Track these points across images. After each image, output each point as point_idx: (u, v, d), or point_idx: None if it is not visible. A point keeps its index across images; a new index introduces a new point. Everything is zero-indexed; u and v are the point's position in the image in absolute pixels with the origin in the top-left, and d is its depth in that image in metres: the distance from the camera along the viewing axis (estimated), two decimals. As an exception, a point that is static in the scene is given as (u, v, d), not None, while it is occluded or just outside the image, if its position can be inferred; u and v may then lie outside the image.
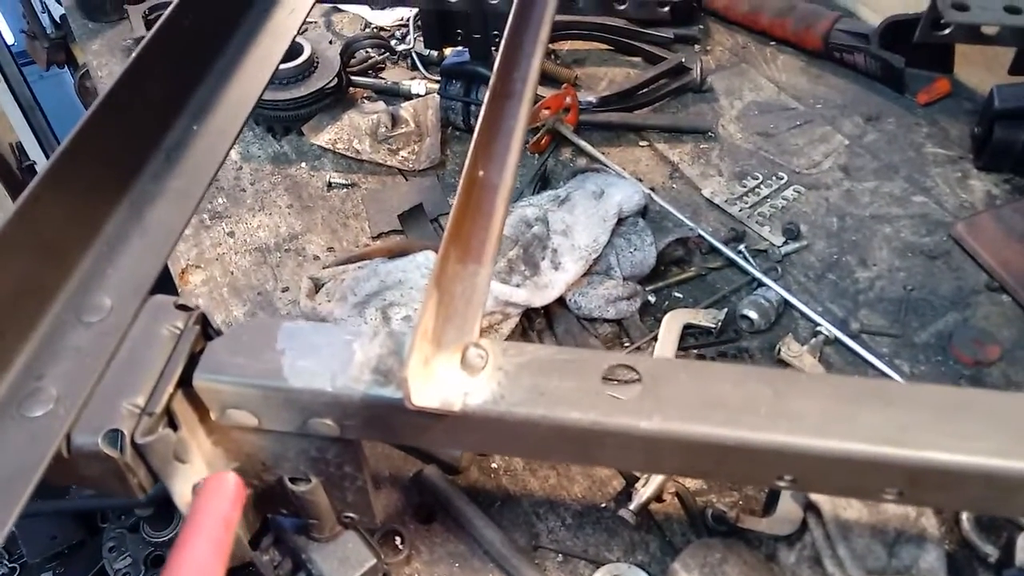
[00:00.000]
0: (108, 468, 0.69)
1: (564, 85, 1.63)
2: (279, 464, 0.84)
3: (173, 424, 0.73)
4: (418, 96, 1.74)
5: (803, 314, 1.34)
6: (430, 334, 0.70)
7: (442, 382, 0.69)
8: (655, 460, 0.70)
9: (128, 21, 1.92)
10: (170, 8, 0.93)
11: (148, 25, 1.88)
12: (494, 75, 0.95)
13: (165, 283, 1.01)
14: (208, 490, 0.75)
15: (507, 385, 0.69)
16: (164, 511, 1.06)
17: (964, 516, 1.08)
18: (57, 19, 2.76)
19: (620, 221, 1.34)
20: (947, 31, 1.14)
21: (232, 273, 1.47)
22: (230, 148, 0.94)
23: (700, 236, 1.43)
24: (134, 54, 0.87)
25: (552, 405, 0.67)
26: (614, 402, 0.67)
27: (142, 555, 1.06)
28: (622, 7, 1.26)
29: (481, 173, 0.86)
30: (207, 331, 0.78)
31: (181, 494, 0.76)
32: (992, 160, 1.52)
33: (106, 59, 1.94)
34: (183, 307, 0.79)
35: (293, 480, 0.85)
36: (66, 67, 2.91)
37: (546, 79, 1.73)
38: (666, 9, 1.24)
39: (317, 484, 0.85)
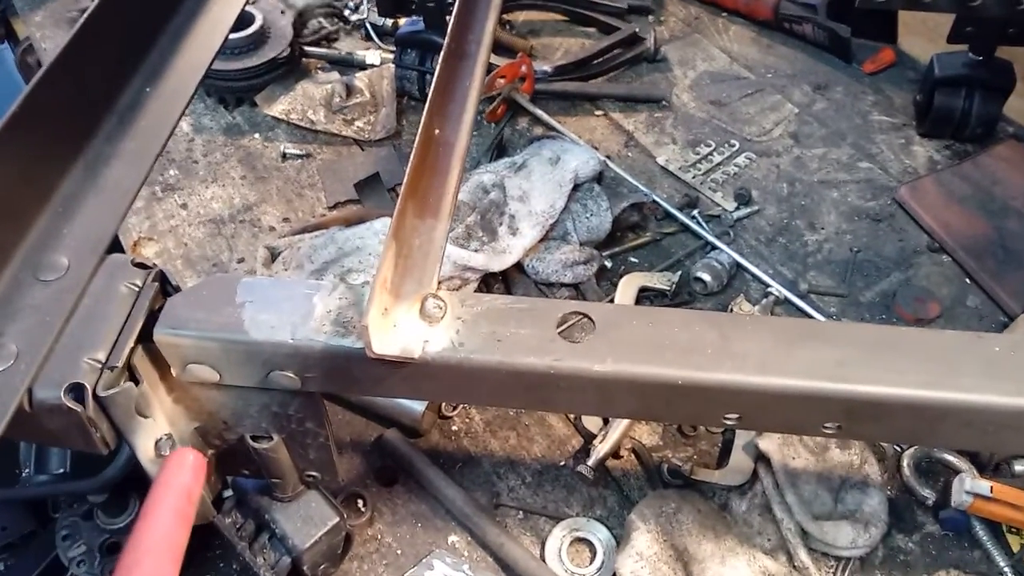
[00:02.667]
0: (71, 422, 0.69)
1: (519, 54, 1.64)
2: (240, 422, 0.84)
3: (135, 379, 0.73)
4: (372, 66, 1.74)
5: (754, 276, 1.38)
6: (389, 285, 0.72)
7: (401, 331, 0.71)
8: (608, 403, 0.73)
9: (74, -10, 1.87)
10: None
11: (94, -6, 1.83)
12: (448, 36, 0.96)
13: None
14: (171, 462, 0.76)
15: (465, 333, 0.71)
16: (118, 497, 1.03)
17: (905, 462, 1.13)
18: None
19: (576, 187, 1.36)
20: (888, -5, 1.17)
21: (186, 245, 1.46)
22: (183, 111, 0.93)
23: (655, 202, 1.46)
24: (85, 14, 0.86)
25: (509, 351, 0.69)
26: (568, 346, 0.69)
27: (97, 542, 1.03)
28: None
29: (437, 131, 0.87)
30: (165, 288, 0.78)
31: (144, 449, 0.77)
32: (933, 127, 1.57)
33: (50, 31, 1.89)
34: (141, 265, 0.79)
35: (255, 438, 0.86)
36: (6, 42, 2.81)
37: (501, 49, 1.73)
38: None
39: (279, 441, 0.86)
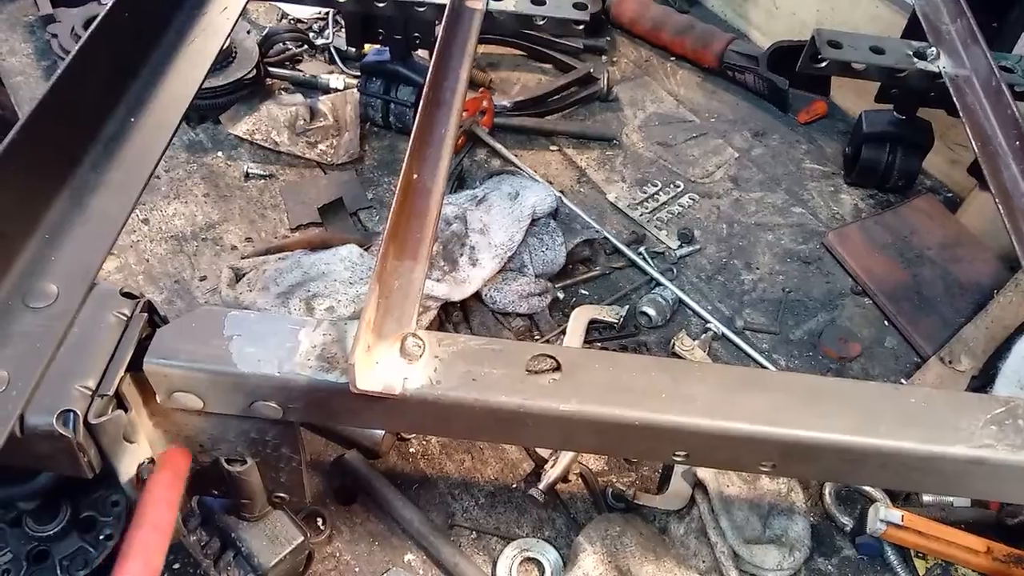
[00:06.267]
0: (60, 447, 0.72)
1: (480, 89, 1.71)
2: (217, 445, 0.88)
3: (123, 406, 0.77)
4: (336, 91, 1.78)
5: (695, 312, 1.48)
6: (372, 324, 0.77)
7: (383, 368, 0.76)
8: (571, 438, 0.80)
9: (31, -4, 1.86)
10: (109, 4, 0.95)
11: (55, 3, 1.83)
12: (427, 85, 1.02)
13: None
14: (160, 475, 0.79)
15: (442, 371, 0.77)
16: (49, 505, 1.00)
17: (826, 491, 1.24)
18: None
19: (533, 222, 1.44)
20: (823, 64, 1.29)
21: (147, 261, 1.48)
22: (169, 141, 0.97)
23: (605, 238, 1.54)
24: (75, 49, 0.89)
25: (483, 390, 0.76)
26: (537, 387, 0.76)
27: (24, 551, 0.99)
28: (541, 23, 1.35)
29: (415, 176, 0.93)
30: (154, 318, 0.82)
31: (127, 472, 0.80)
32: (860, 177, 1.71)
33: (6, 35, 1.87)
34: (129, 295, 0.82)
35: (229, 461, 0.90)
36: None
37: (463, 82, 1.80)
38: (580, 27, 1.33)
39: (253, 465, 0.90)
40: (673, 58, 2.01)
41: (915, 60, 1.22)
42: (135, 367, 0.77)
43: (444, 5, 1.15)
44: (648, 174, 1.74)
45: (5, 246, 0.81)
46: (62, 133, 0.89)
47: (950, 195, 1.74)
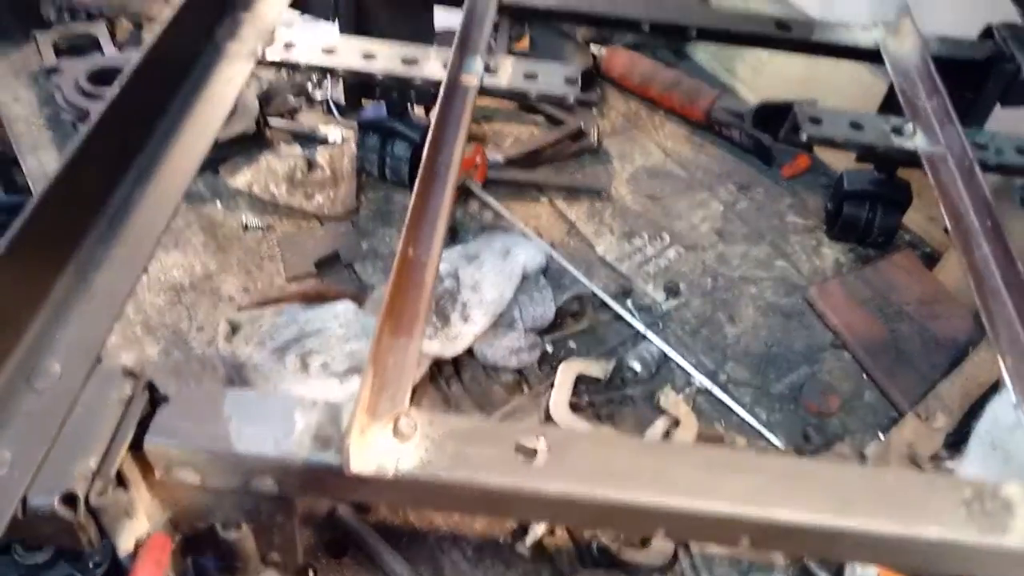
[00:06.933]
0: (61, 527, 0.75)
1: (475, 145, 1.76)
2: (213, 514, 0.91)
3: (123, 484, 0.80)
4: (334, 143, 1.82)
5: (680, 366, 1.51)
6: (366, 405, 0.81)
7: (376, 449, 0.80)
8: (558, 515, 0.83)
9: (35, 45, 1.90)
10: (120, 83, 0.99)
11: (58, 53, 1.87)
12: (424, 159, 1.06)
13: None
14: (142, 565, 0.82)
15: (433, 452, 0.80)
16: None
17: (806, 548, 1.27)
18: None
19: (524, 278, 1.48)
20: (805, 137, 1.34)
21: (146, 312, 1.51)
22: (173, 214, 1.00)
23: (593, 293, 1.58)
24: (85, 129, 0.93)
25: (473, 470, 0.79)
26: (525, 467, 0.80)
27: None
28: (533, 97, 1.39)
29: (411, 252, 0.97)
30: (154, 397, 0.85)
31: (125, 547, 0.83)
32: (841, 232, 1.76)
33: (10, 82, 1.91)
34: (130, 373, 0.85)
35: (225, 527, 0.92)
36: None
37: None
38: (571, 100, 1.36)
39: (247, 531, 0.93)
40: (661, 111, 2.07)
41: (892, 136, 1.27)
42: (135, 446, 0.80)
43: (440, 81, 1.20)
44: (636, 227, 1.78)
45: (12, 328, 0.84)
46: (70, 212, 0.93)
47: (928, 250, 1.79)
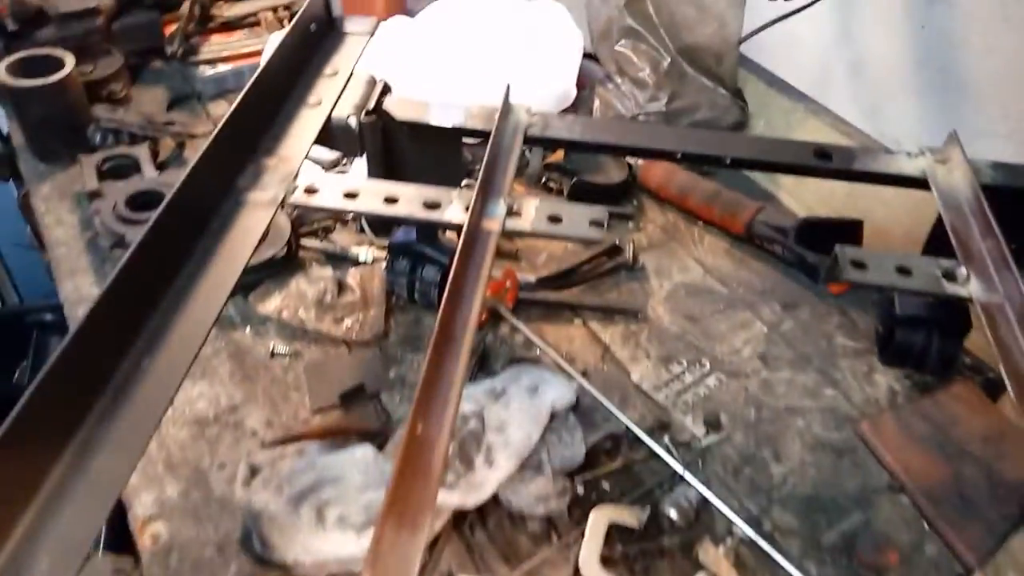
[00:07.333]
0: None
1: (506, 267, 1.72)
2: None
3: None
4: (364, 263, 1.81)
5: (720, 511, 1.42)
6: (362, 623, 0.74)
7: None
8: None
9: (80, 168, 1.96)
10: (136, 245, 0.98)
11: (101, 176, 1.92)
12: (440, 316, 1.02)
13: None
14: None
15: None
16: None
17: None
18: (3, 133, 2.76)
19: (552, 416, 1.41)
20: (847, 280, 1.26)
21: (168, 447, 1.48)
22: (180, 384, 0.98)
23: (628, 429, 1.51)
24: (93, 303, 0.91)
25: None
26: None
27: None
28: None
29: (420, 429, 0.92)
30: (144, 597, 0.81)
31: None
32: (894, 359, 1.64)
33: (54, 205, 1.96)
34: (120, 571, 0.81)
35: None
36: (11, 180, 2.90)
37: (488, 254, 1.82)
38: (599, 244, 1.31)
39: None
40: (700, 223, 2.01)
41: (944, 282, 1.19)
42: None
43: (461, 225, 1.17)
44: (674, 351, 1.71)
45: (3, 523, 0.81)
46: (72, 389, 0.90)
47: (991, 375, 1.67)
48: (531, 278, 1.76)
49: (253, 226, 1.19)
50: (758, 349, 1.72)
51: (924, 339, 1.60)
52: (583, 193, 1.99)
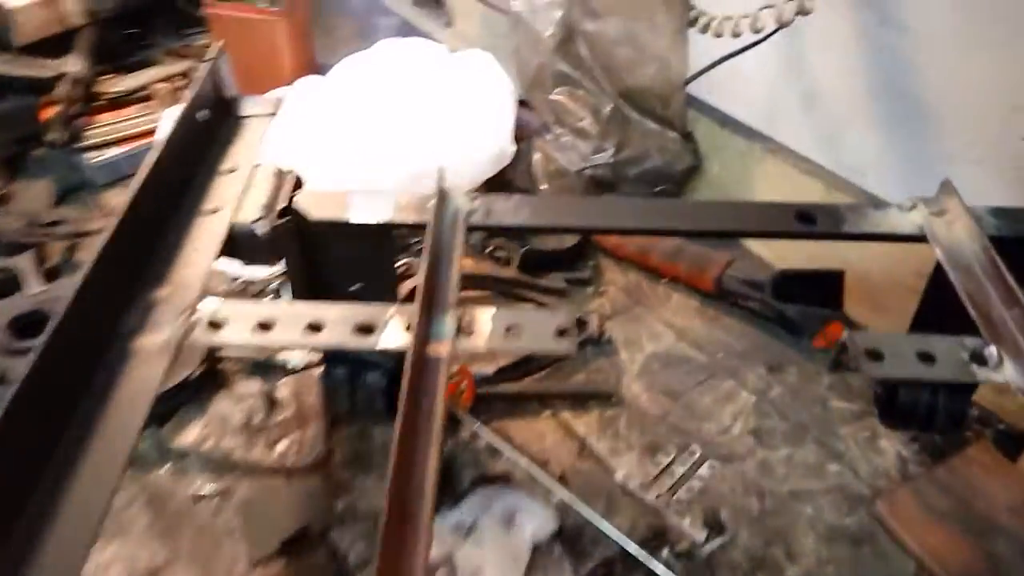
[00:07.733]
0: None
1: (458, 368, 1.52)
2: None
3: None
4: (296, 371, 1.58)
5: (738, 634, 1.23)
6: None
7: None
8: None
9: None
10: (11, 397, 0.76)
11: None
12: (390, 483, 0.81)
13: None
14: None
15: None
16: None
17: None
18: None
19: (535, 549, 1.21)
20: (863, 373, 1.10)
21: (76, 635, 1.22)
22: (86, 555, 0.75)
23: (622, 548, 1.31)
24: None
25: None
26: None
27: None
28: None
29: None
30: None
31: None
32: (898, 421, 1.49)
33: None
34: None
35: None
36: None
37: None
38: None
39: None
40: (664, 280, 1.84)
41: (974, 367, 1.03)
42: None
43: (403, 352, 0.96)
44: (658, 436, 1.52)
45: None
46: None
47: (1002, 426, 1.53)
48: (488, 370, 1.56)
49: (144, 380, 0.95)
50: (749, 424, 1.55)
51: (930, 397, 1.44)
52: (534, 262, 1.80)
